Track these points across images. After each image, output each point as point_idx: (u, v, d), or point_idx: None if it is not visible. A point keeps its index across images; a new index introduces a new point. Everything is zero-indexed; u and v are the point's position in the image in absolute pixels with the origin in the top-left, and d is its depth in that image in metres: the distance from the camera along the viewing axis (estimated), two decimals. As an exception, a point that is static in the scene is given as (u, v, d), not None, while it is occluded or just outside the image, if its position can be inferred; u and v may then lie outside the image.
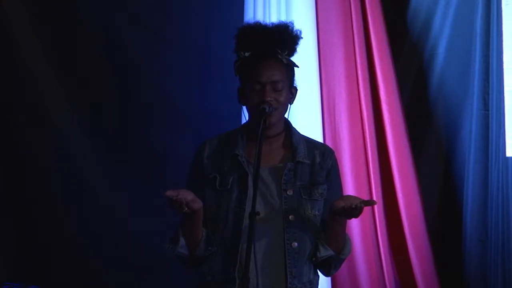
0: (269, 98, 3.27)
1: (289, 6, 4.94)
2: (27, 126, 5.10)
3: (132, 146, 5.11)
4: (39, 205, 5.10)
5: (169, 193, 3.15)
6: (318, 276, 3.39)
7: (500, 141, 5.02)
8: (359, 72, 5.06)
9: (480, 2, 5.05)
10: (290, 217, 3.27)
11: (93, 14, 5.11)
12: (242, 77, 3.36)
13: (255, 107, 3.29)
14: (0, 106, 5.10)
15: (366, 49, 5.09)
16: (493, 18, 5.02)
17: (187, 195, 3.18)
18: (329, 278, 4.84)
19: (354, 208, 3.17)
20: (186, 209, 3.17)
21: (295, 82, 3.39)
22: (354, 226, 4.96)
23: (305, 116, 4.81)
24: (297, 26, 3.39)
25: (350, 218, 3.26)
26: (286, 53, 3.34)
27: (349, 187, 4.95)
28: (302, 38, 3.39)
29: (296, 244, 3.27)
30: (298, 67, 3.39)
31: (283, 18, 4.79)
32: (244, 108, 3.39)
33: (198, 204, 3.22)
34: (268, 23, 3.42)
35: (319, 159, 3.36)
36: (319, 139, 4.74)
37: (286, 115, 3.40)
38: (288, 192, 3.29)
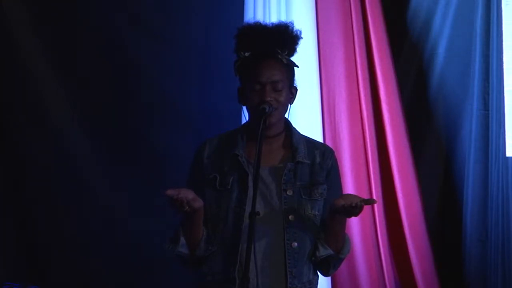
0: (269, 98, 3.27)
1: (289, 6, 4.94)
2: (27, 126, 5.10)
3: (132, 146, 5.11)
4: (39, 205, 5.10)
5: (169, 192, 3.15)
6: (318, 276, 3.39)
7: (500, 141, 5.02)
8: (359, 72, 5.06)
9: (480, 2, 5.05)
10: (290, 217, 3.28)
11: (93, 14, 5.11)
12: (242, 77, 3.36)
13: (255, 107, 3.29)
14: (0, 106, 5.10)
15: (366, 49, 5.09)
16: (493, 18, 5.02)
17: (188, 194, 3.18)
18: (329, 278, 4.84)
19: (354, 207, 3.17)
20: (187, 208, 3.17)
21: (295, 82, 3.39)
22: (354, 226, 4.96)
23: (305, 116, 4.81)
24: (297, 26, 3.39)
25: (350, 216, 3.26)
26: (286, 53, 3.34)
27: (349, 187, 4.95)
28: (302, 38, 3.39)
29: (296, 244, 3.27)
30: (298, 67, 3.39)
31: (283, 18, 4.79)
32: (244, 108, 3.39)
33: (198, 203, 3.22)
34: (268, 23, 3.42)
35: (319, 159, 3.36)
36: (319, 139, 4.74)
37: (286, 115, 3.40)
38: (288, 192, 3.29)
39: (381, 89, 5.13)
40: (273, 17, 4.86)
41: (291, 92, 3.37)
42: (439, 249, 5.14)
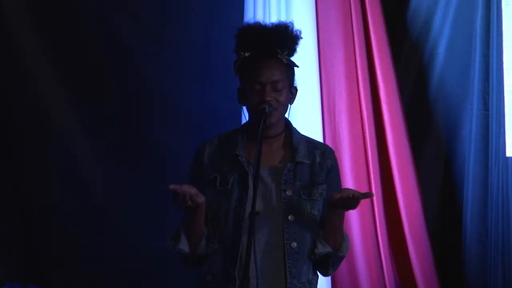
0: (269, 98, 3.27)
1: (289, 6, 4.95)
2: (27, 126, 5.10)
3: (132, 146, 5.11)
4: (39, 205, 5.10)
5: (172, 186, 3.16)
6: (318, 276, 3.39)
7: (500, 141, 5.03)
8: (359, 72, 5.06)
9: (480, 2, 5.05)
10: (289, 217, 3.28)
11: (93, 14, 5.11)
12: (242, 77, 3.36)
13: (255, 107, 3.29)
14: (0, 106, 5.10)
15: (366, 49, 5.09)
16: (493, 18, 5.02)
17: (191, 189, 3.19)
18: (329, 278, 4.85)
19: (352, 198, 3.18)
20: (190, 202, 3.18)
21: (295, 82, 3.39)
22: (354, 226, 4.96)
23: (305, 116, 4.81)
24: (297, 26, 3.39)
25: (347, 209, 3.26)
26: (286, 53, 3.33)
27: (349, 187, 4.93)
28: (302, 38, 3.39)
29: (295, 244, 3.27)
30: (298, 67, 3.38)
31: (283, 18, 4.79)
32: (244, 108, 3.39)
33: (201, 199, 3.23)
34: (268, 23, 3.42)
35: (319, 159, 3.36)
36: (319, 139, 4.74)
37: (286, 115, 3.40)
38: (287, 192, 3.29)
39: (381, 89, 5.13)
40: (273, 17, 4.86)
41: (291, 92, 3.37)
42: (439, 249, 5.14)
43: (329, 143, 4.92)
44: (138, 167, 5.09)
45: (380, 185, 5.07)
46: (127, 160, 5.10)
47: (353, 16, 5.06)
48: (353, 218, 4.97)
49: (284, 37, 3.34)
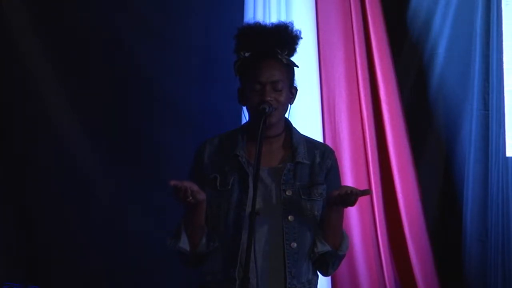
0: (269, 98, 3.27)
1: (289, 6, 4.94)
2: (27, 126, 5.11)
3: (132, 146, 5.12)
4: (39, 205, 5.10)
5: (174, 182, 3.16)
6: (317, 276, 3.39)
7: (500, 141, 5.02)
8: (359, 72, 5.06)
9: (480, 2, 5.05)
10: (289, 217, 3.28)
11: (93, 14, 5.11)
12: (242, 77, 3.36)
13: (255, 107, 3.29)
14: (0, 106, 5.10)
15: (366, 49, 5.09)
16: (493, 18, 5.02)
17: (192, 185, 3.19)
18: (329, 278, 4.84)
19: (350, 194, 3.18)
20: (191, 198, 3.18)
21: (295, 82, 3.39)
22: (354, 226, 4.96)
23: (305, 116, 4.81)
24: (297, 26, 3.39)
25: (346, 206, 3.26)
26: (286, 53, 3.33)
27: (349, 187, 4.94)
28: (302, 38, 3.39)
29: (295, 244, 3.27)
30: (298, 67, 3.38)
31: (283, 18, 4.79)
32: (244, 108, 3.39)
33: (201, 195, 3.23)
34: (268, 23, 3.42)
35: (319, 159, 3.36)
36: (319, 139, 4.74)
37: (286, 115, 3.40)
38: (287, 193, 3.29)
39: (381, 89, 5.13)
40: (273, 17, 4.86)
41: (291, 92, 3.37)
42: (439, 249, 5.14)
43: (329, 143, 4.92)
44: (138, 167, 5.09)
45: (380, 185, 5.07)
46: (127, 160, 5.11)
47: (353, 16, 5.06)
48: (353, 218, 4.97)
49: (284, 37, 3.34)
